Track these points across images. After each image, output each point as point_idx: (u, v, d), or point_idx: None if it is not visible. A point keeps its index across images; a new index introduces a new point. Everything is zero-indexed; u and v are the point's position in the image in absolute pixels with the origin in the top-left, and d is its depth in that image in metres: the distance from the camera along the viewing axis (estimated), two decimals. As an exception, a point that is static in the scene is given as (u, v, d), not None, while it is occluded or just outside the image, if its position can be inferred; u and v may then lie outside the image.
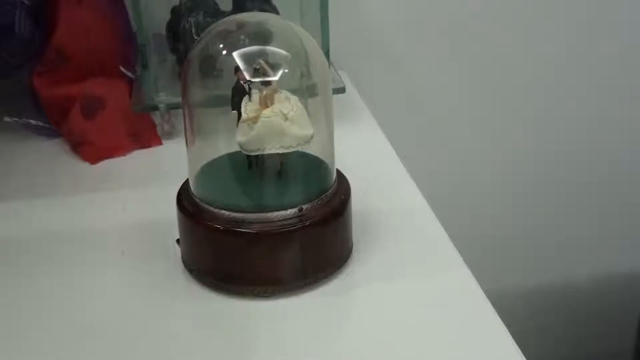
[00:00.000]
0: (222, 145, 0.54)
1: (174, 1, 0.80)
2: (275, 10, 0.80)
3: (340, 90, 0.77)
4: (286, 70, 0.51)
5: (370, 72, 1.00)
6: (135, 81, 0.80)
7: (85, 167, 0.75)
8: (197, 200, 0.54)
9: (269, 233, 0.51)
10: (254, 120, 0.51)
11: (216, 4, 0.80)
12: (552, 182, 1.14)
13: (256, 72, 0.51)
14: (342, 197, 0.55)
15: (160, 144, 0.79)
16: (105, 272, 0.57)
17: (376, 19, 0.99)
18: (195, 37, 0.75)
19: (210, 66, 0.53)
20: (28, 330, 0.52)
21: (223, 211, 0.52)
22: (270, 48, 0.52)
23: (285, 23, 0.54)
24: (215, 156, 0.56)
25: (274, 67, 0.51)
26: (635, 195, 1.17)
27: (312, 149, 0.55)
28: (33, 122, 0.80)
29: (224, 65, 0.51)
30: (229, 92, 0.51)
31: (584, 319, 1.24)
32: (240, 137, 0.52)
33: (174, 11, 0.80)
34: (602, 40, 1.06)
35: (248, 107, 0.51)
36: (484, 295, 0.52)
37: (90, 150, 0.76)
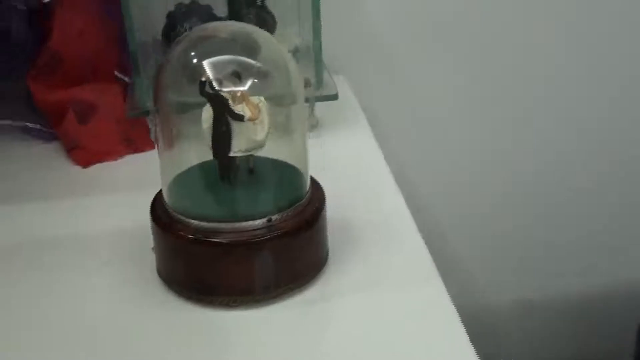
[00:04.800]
0: (194, 154, 0.54)
1: (170, 6, 0.80)
2: (272, 17, 0.79)
3: (333, 97, 0.76)
4: (256, 81, 0.51)
5: (367, 74, 0.99)
6: (129, 86, 0.81)
7: (77, 171, 0.75)
8: (169, 209, 0.53)
9: (240, 243, 0.51)
10: (256, 115, 0.51)
11: (212, 10, 0.80)
12: (551, 186, 1.12)
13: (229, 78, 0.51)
14: (316, 206, 0.54)
15: (154, 148, 0.79)
16: (86, 279, 0.57)
17: (375, 23, 0.98)
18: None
19: (182, 74, 0.52)
20: (7, 335, 0.52)
21: (194, 221, 0.52)
22: (242, 58, 0.51)
23: (259, 32, 0.54)
24: (188, 165, 0.55)
25: (245, 76, 0.51)
26: (636, 198, 1.15)
27: (286, 158, 0.54)
28: (30, 125, 0.81)
29: (194, 73, 0.51)
30: (199, 100, 0.51)
31: (584, 323, 1.22)
32: (258, 136, 0.52)
33: (170, 16, 0.80)
34: (599, 43, 1.04)
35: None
36: (454, 309, 0.51)
37: (83, 153, 0.76)
